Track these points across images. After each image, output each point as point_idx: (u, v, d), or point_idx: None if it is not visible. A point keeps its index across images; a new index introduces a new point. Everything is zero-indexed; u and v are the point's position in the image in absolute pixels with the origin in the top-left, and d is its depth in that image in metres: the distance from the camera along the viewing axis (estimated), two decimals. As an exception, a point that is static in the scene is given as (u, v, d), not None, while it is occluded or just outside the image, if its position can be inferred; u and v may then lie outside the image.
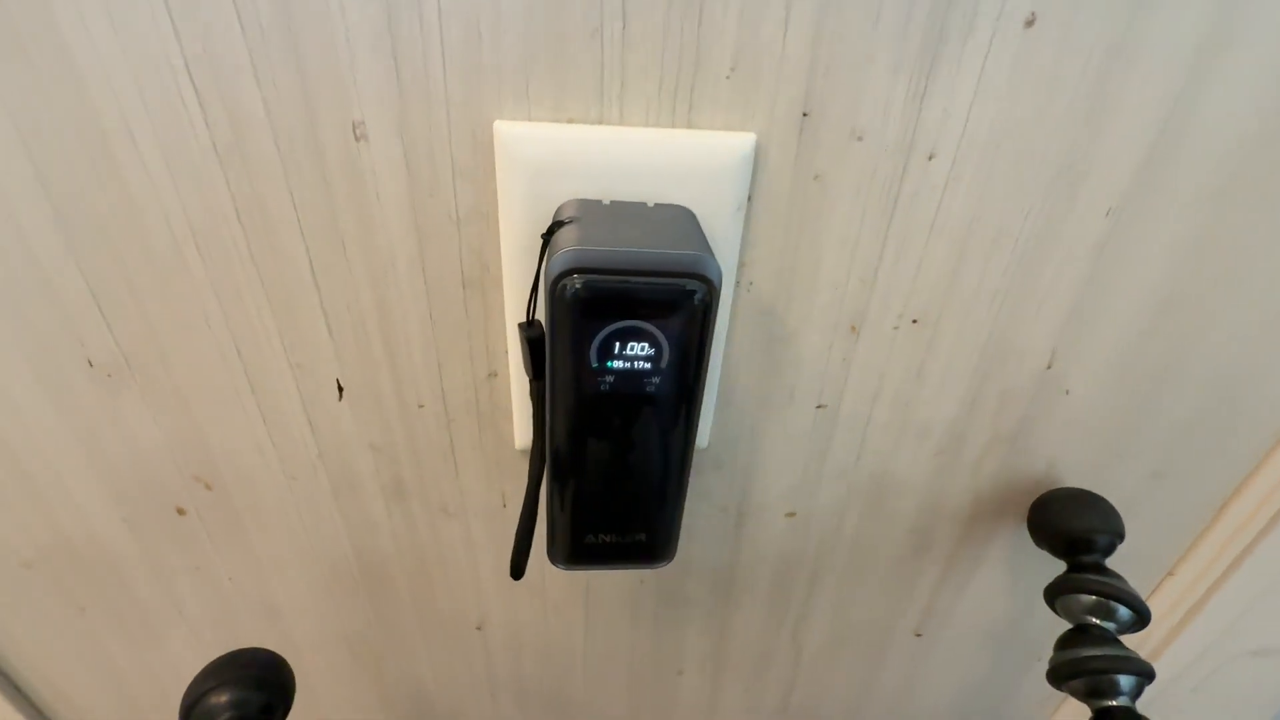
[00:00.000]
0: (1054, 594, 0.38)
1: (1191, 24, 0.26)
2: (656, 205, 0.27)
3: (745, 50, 0.26)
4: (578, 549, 0.29)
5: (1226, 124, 0.29)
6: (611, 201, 0.27)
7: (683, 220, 0.27)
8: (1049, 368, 0.36)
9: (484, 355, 0.34)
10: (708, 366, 0.25)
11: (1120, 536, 0.38)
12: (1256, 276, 0.33)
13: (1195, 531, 0.46)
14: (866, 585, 0.47)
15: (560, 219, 0.26)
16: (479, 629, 0.48)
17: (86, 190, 0.27)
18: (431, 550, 0.43)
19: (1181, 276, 0.33)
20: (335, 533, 0.41)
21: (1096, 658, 0.35)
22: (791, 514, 0.42)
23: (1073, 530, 0.38)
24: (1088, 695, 0.35)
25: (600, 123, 0.27)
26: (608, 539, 0.29)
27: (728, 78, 0.26)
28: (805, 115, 0.27)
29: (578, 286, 0.22)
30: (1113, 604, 0.36)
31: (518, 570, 0.30)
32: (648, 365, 0.24)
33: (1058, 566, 0.39)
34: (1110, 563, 0.38)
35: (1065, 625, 0.38)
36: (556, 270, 0.23)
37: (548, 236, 0.25)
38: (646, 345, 0.24)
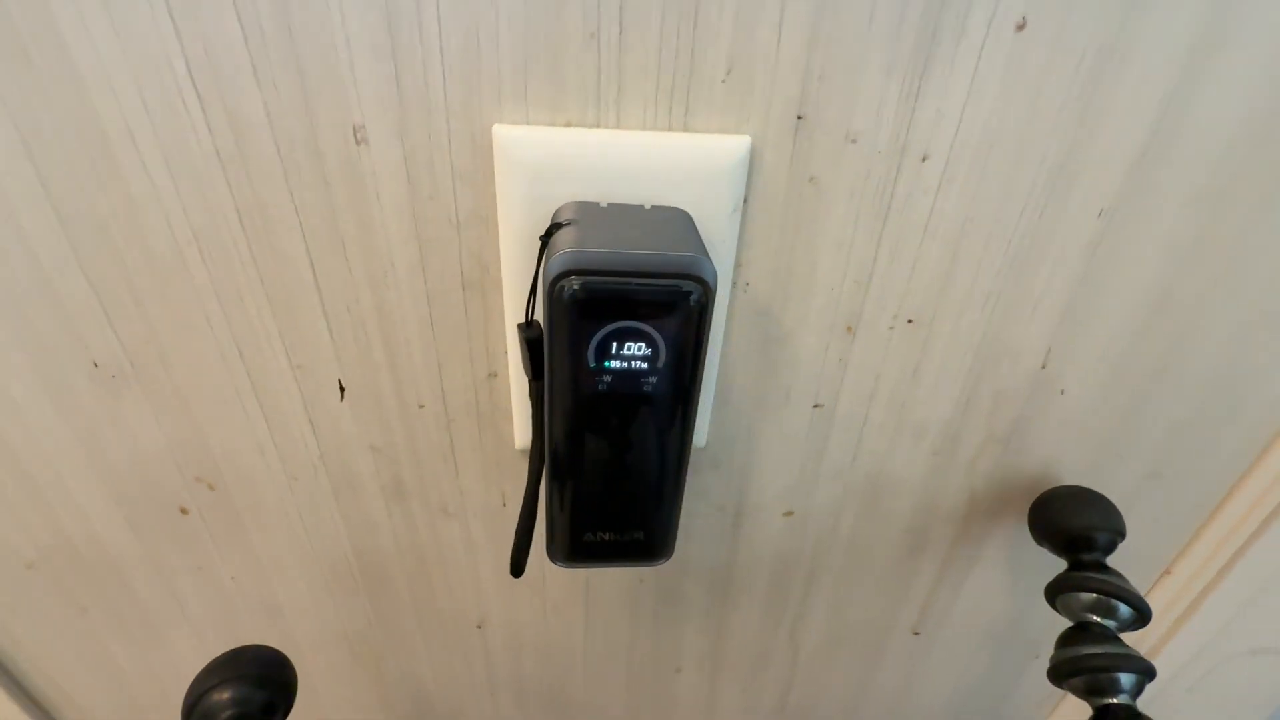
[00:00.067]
0: (1055, 592, 0.38)
1: (1184, 25, 0.26)
2: (653, 207, 0.28)
3: (740, 54, 0.26)
4: (577, 547, 0.29)
5: (1219, 125, 0.29)
6: (609, 204, 0.28)
7: (679, 222, 0.27)
8: (1043, 368, 0.36)
9: (484, 356, 0.34)
10: (704, 366, 0.26)
11: (1121, 534, 0.39)
12: (1250, 276, 0.34)
13: (1191, 530, 0.46)
14: (864, 584, 0.48)
15: (558, 221, 0.26)
16: (479, 628, 0.48)
17: (89, 193, 0.28)
18: (431, 550, 0.43)
19: (1175, 277, 0.33)
20: (336, 533, 0.41)
21: (1097, 655, 0.35)
22: (789, 513, 0.43)
23: (1073, 528, 0.38)
24: (1088, 693, 0.35)
25: (597, 126, 0.28)
26: (606, 537, 0.29)
27: (723, 81, 0.27)
28: (800, 118, 0.28)
29: (576, 287, 0.23)
30: (1113, 602, 0.36)
31: (517, 568, 0.30)
32: (645, 365, 0.24)
33: (1054, 565, 0.40)
34: (1109, 561, 0.39)
35: (1064, 623, 0.38)
36: (555, 271, 0.23)
37: (546, 238, 0.26)
38: (643, 345, 0.24)
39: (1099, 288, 0.34)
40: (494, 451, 0.38)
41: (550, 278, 0.23)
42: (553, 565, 0.44)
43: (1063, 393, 0.38)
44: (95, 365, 0.33)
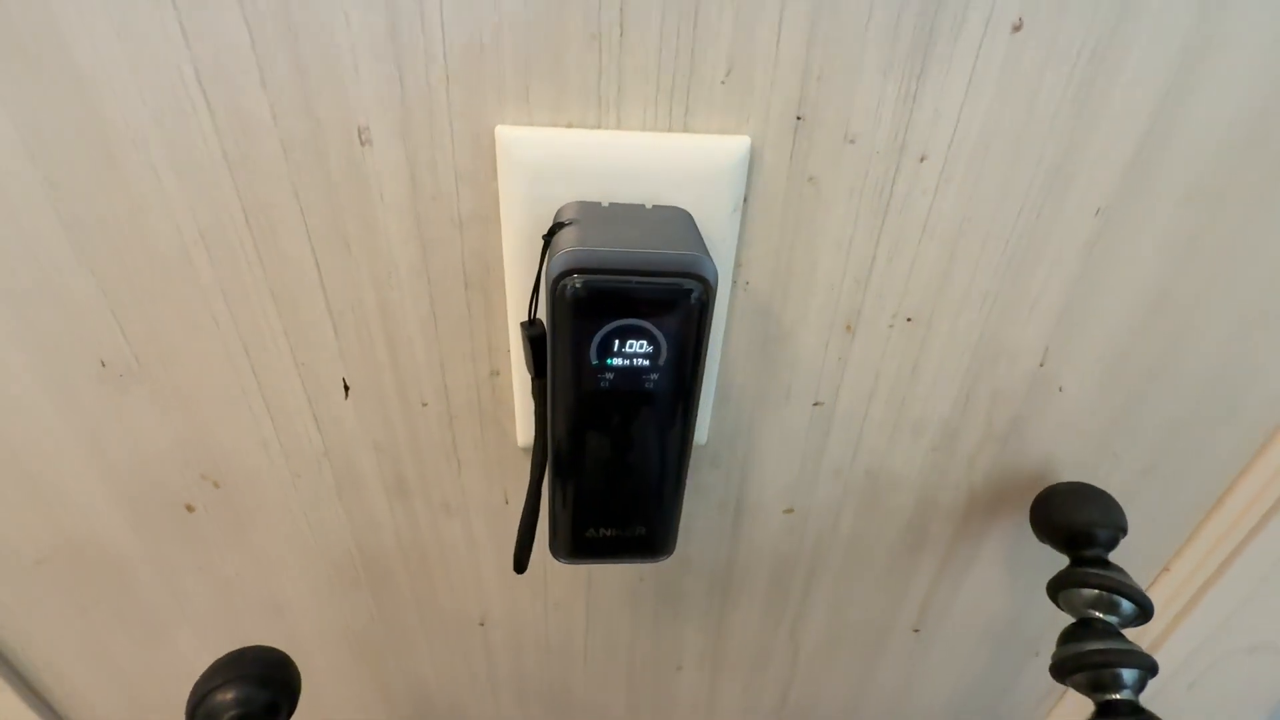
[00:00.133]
0: (1056, 588, 0.38)
1: (1177, 25, 0.27)
2: (654, 207, 0.28)
3: (740, 55, 0.26)
4: (579, 543, 0.30)
5: (1212, 125, 0.29)
6: (610, 203, 0.28)
7: (680, 221, 0.27)
8: (1041, 366, 0.37)
9: (486, 354, 0.34)
10: (705, 364, 0.26)
11: (1123, 530, 0.39)
12: (1245, 275, 0.34)
13: (1190, 528, 0.46)
14: (863, 582, 0.48)
15: (560, 221, 0.26)
16: (481, 625, 0.49)
17: (96, 194, 0.28)
18: (434, 547, 0.43)
19: (1171, 276, 0.34)
20: (339, 530, 0.42)
21: (1099, 651, 0.35)
22: (789, 510, 0.43)
23: (1075, 524, 0.39)
24: (1091, 689, 0.35)
25: (599, 127, 0.28)
26: (608, 533, 0.30)
27: (723, 82, 0.27)
28: (799, 119, 0.28)
29: (578, 286, 0.23)
30: (1115, 598, 0.36)
31: (520, 564, 0.30)
32: (646, 363, 0.25)
33: (1053, 562, 0.40)
34: (1111, 557, 0.39)
35: (1066, 620, 0.38)
36: (557, 270, 0.23)
37: (548, 238, 0.26)
38: (645, 343, 0.24)
39: (1096, 287, 0.34)
40: (496, 449, 0.38)
41: (553, 276, 0.23)
42: (554, 562, 0.45)
43: (1061, 391, 0.38)
44: (102, 364, 0.33)
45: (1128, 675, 0.35)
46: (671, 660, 0.53)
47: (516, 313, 0.32)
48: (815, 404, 0.38)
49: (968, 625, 0.52)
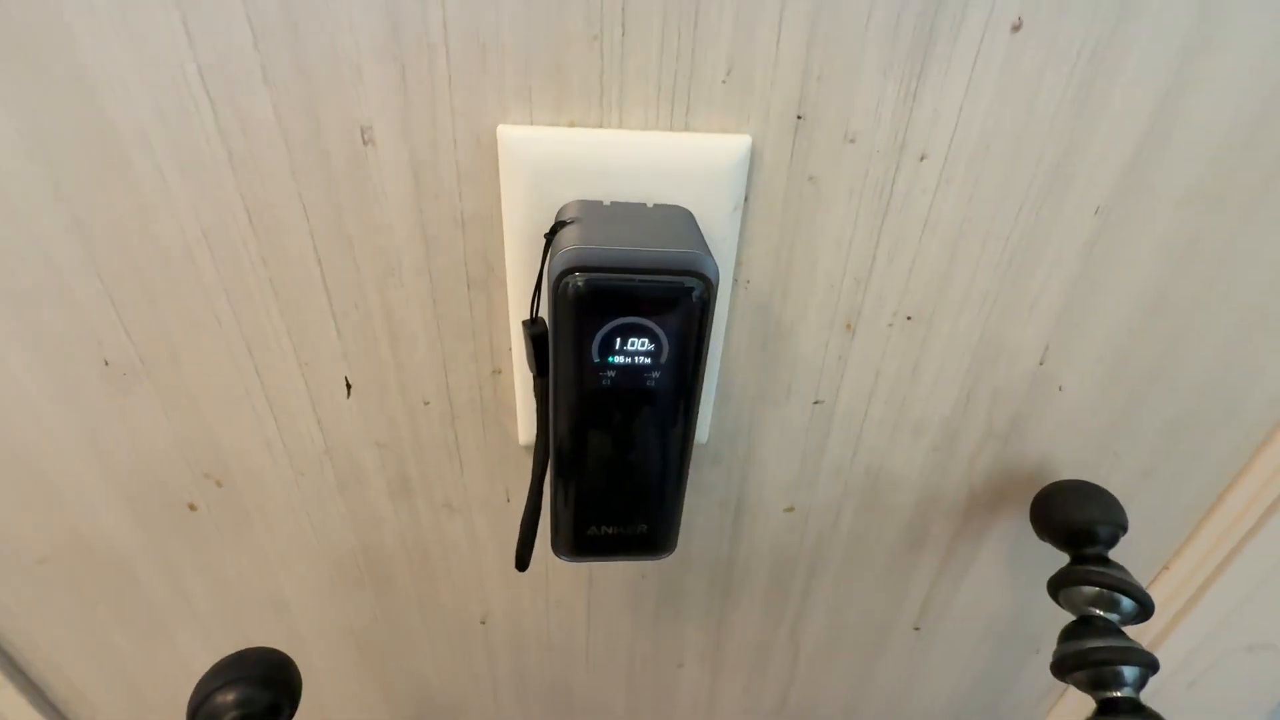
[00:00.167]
0: (1057, 586, 0.38)
1: (1176, 26, 0.27)
2: (656, 206, 0.28)
3: (740, 55, 0.27)
4: (581, 541, 0.30)
5: (1213, 125, 0.29)
6: (612, 202, 0.28)
7: (681, 220, 0.27)
8: (1041, 365, 0.37)
9: (488, 353, 0.35)
10: (706, 362, 0.26)
11: (1123, 528, 0.39)
12: (1243, 275, 0.34)
13: (1190, 527, 0.46)
14: (864, 580, 0.48)
15: (562, 219, 0.26)
16: (482, 623, 0.49)
17: (102, 195, 0.28)
18: (436, 545, 0.43)
19: (1170, 276, 0.34)
20: (341, 528, 0.42)
21: (1100, 649, 0.35)
22: (790, 509, 0.43)
23: (1075, 522, 0.39)
24: (1092, 686, 0.36)
25: (600, 126, 0.28)
26: (610, 531, 0.30)
27: (723, 82, 0.27)
28: (799, 118, 0.28)
29: (580, 284, 0.23)
30: (1116, 595, 0.36)
31: (522, 561, 0.31)
32: (648, 360, 0.25)
33: (1052, 560, 0.40)
34: (1111, 555, 0.39)
35: (1065, 618, 0.38)
36: (559, 269, 0.23)
37: (550, 236, 0.26)
38: (646, 341, 0.24)
39: (1095, 287, 0.34)
40: (498, 447, 0.39)
41: (555, 275, 0.23)
42: (556, 560, 0.45)
43: (1060, 390, 0.38)
44: (106, 363, 0.33)
45: (1129, 673, 0.35)
46: (672, 658, 0.53)
47: (518, 311, 0.32)
48: (816, 402, 0.38)
49: (968, 623, 0.52)
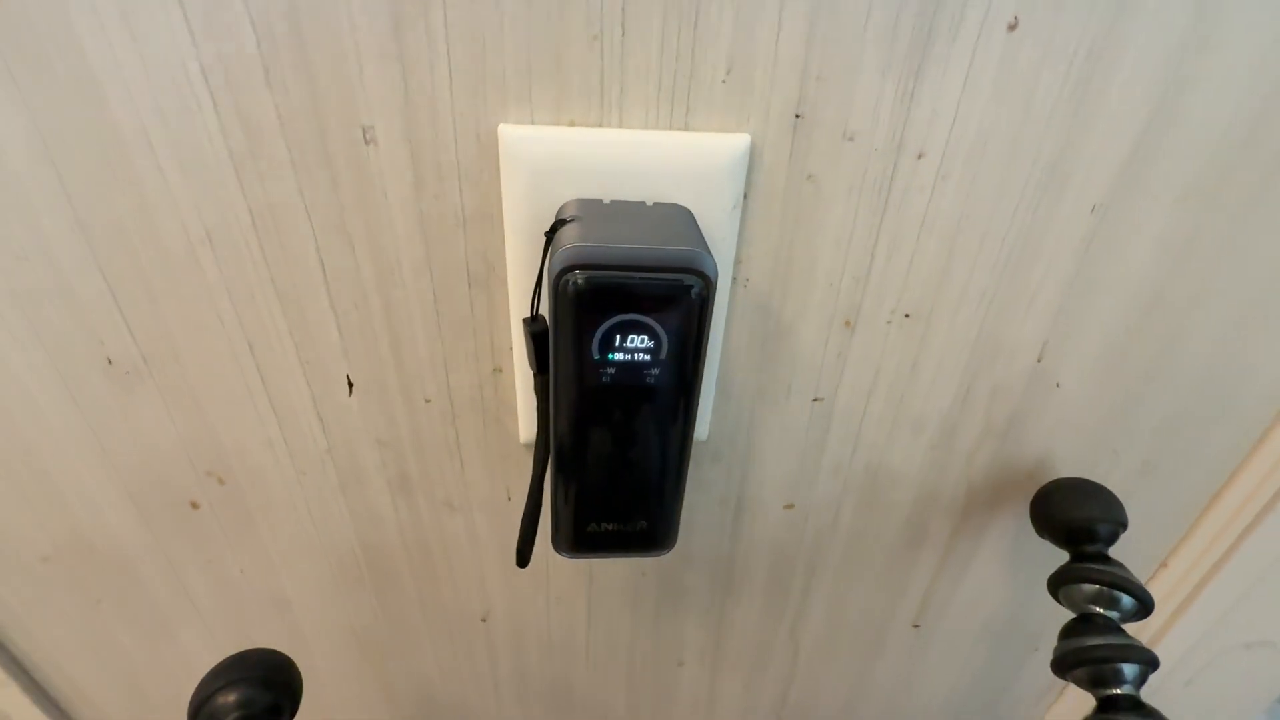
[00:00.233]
0: (1057, 583, 0.39)
1: (1172, 25, 0.27)
2: (655, 204, 0.28)
3: (739, 55, 0.27)
4: (581, 537, 0.30)
5: (1210, 124, 0.29)
6: (612, 201, 0.28)
7: (680, 218, 0.28)
8: (1039, 361, 0.37)
9: (489, 351, 0.35)
10: (705, 359, 0.26)
11: (1123, 526, 0.39)
12: (1240, 272, 0.34)
13: (1187, 523, 0.47)
14: (864, 577, 0.48)
15: (562, 218, 0.27)
16: (483, 621, 0.49)
17: (106, 195, 0.29)
18: (437, 543, 0.44)
19: (1167, 273, 0.34)
20: (343, 526, 0.42)
21: (1100, 647, 0.35)
22: (789, 506, 0.43)
23: (1075, 520, 0.39)
24: (1092, 684, 0.36)
25: (600, 125, 0.28)
26: (610, 528, 0.30)
27: (723, 81, 0.27)
28: (798, 117, 0.28)
29: (580, 281, 0.23)
30: (1116, 593, 0.36)
31: (523, 558, 0.31)
32: (647, 357, 0.25)
33: (1052, 557, 0.40)
34: (1111, 553, 0.39)
35: (1065, 615, 0.38)
36: (559, 266, 0.24)
37: (550, 234, 0.26)
38: (646, 338, 0.25)
39: (1092, 284, 0.34)
40: (498, 446, 0.39)
41: (555, 273, 0.24)
42: (557, 558, 0.45)
43: (1058, 387, 0.38)
44: (109, 362, 0.34)
45: (1128, 670, 0.35)
46: (672, 656, 0.53)
47: (519, 310, 0.32)
48: (815, 400, 0.38)
49: (968, 621, 0.52)
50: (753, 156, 0.29)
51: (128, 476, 0.38)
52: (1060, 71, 0.28)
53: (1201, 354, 0.37)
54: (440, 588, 0.46)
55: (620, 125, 0.28)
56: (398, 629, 0.49)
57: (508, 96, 0.27)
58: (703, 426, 0.38)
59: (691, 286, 0.24)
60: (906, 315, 0.35)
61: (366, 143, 0.28)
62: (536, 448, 0.30)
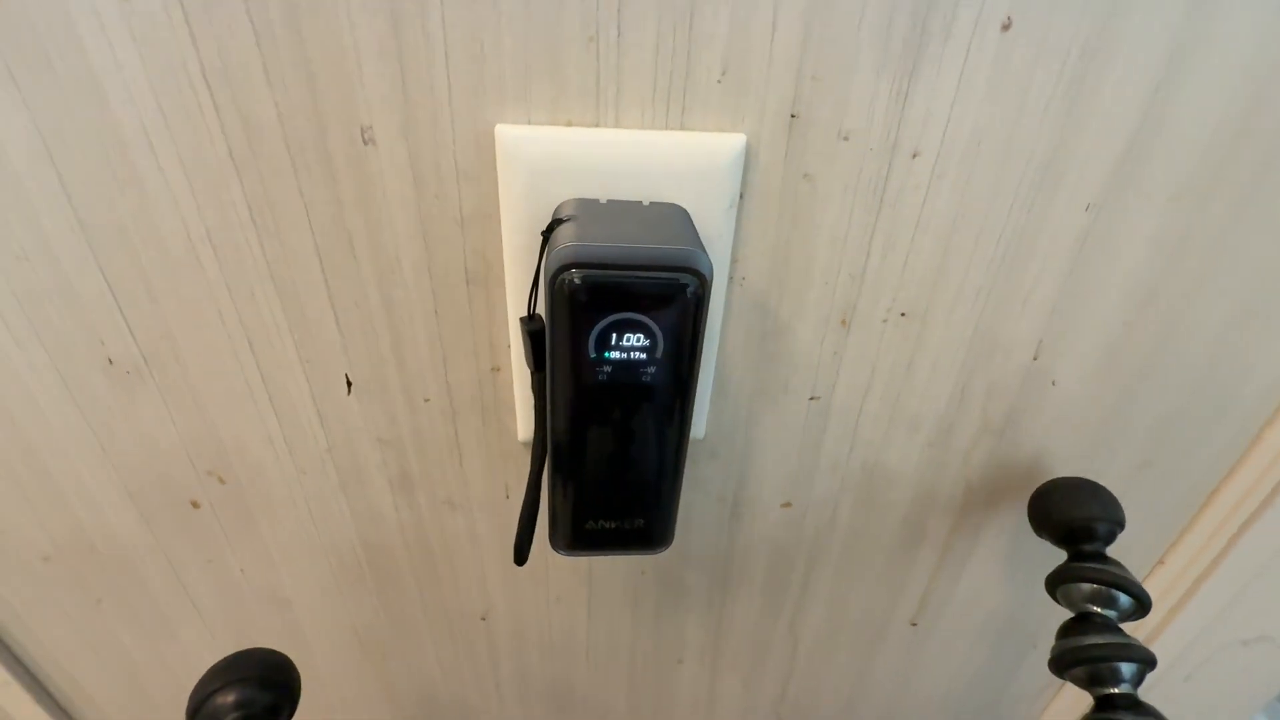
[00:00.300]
0: (1055, 582, 0.39)
1: (1165, 24, 0.27)
2: (651, 204, 0.29)
3: (735, 55, 0.27)
4: (578, 535, 0.30)
5: (1203, 122, 0.30)
6: (608, 200, 0.28)
7: (676, 218, 0.28)
8: (1035, 360, 0.37)
9: (487, 350, 0.35)
10: (701, 357, 0.26)
11: (1120, 525, 0.39)
12: (1234, 270, 0.34)
13: (1184, 520, 0.47)
14: (862, 575, 0.48)
15: (559, 217, 0.27)
16: (483, 620, 0.49)
17: (106, 195, 0.29)
18: (437, 542, 0.44)
19: (1161, 271, 0.34)
20: (343, 525, 0.42)
21: (1098, 645, 0.35)
22: (787, 505, 0.43)
23: (1073, 519, 0.39)
24: (1090, 683, 0.36)
25: (597, 125, 0.28)
26: (607, 525, 0.30)
27: (719, 81, 0.28)
28: (794, 117, 0.29)
29: (576, 280, 0.23)
30: (1113, 592, 0.36)
31: (521, 556, 0.31)
32: (643, 356, 0.25)
33: (1050, 555, 0.40)
34: (1109, 551, 0.39)
35: (1062, 614, 0.38)
36: (555, 265, 0.24)
37: (547, 234, 0.27)
38: (642, 336, 0.25)
39: (1088, 282, 0.34)
40: (497, 444, 0.39)
41: (551, 272, 0.24)
42: (556, 557, 0.45)
43: (1054, 384, 0.38)
44: (110, 361, 0.34)
45: (1126, 669, 0.35)
46: (672, 654, 0.53)
47: (517, 308, 0.32)
48: (812, 398, 0.38)
49: (966, 619, 0.52)
50: (748, 156, 0.29)
51: (128, 476, 0.39)
52: (1054, 70, 0.28)
53: (1197, 352, 0.37)
54: (441, 586, 0.47)
55: (617, 125, 0.28)
56: (398, 628, 0.49)
57: (505, 96, 0.27)
58: (700, 425, 0.38)
59: (687, 285, 0.24)
60: (902, 314, 0.35)
61: (365, 142, 0.28)
62: (534, 446, 0.30)
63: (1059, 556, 0.39)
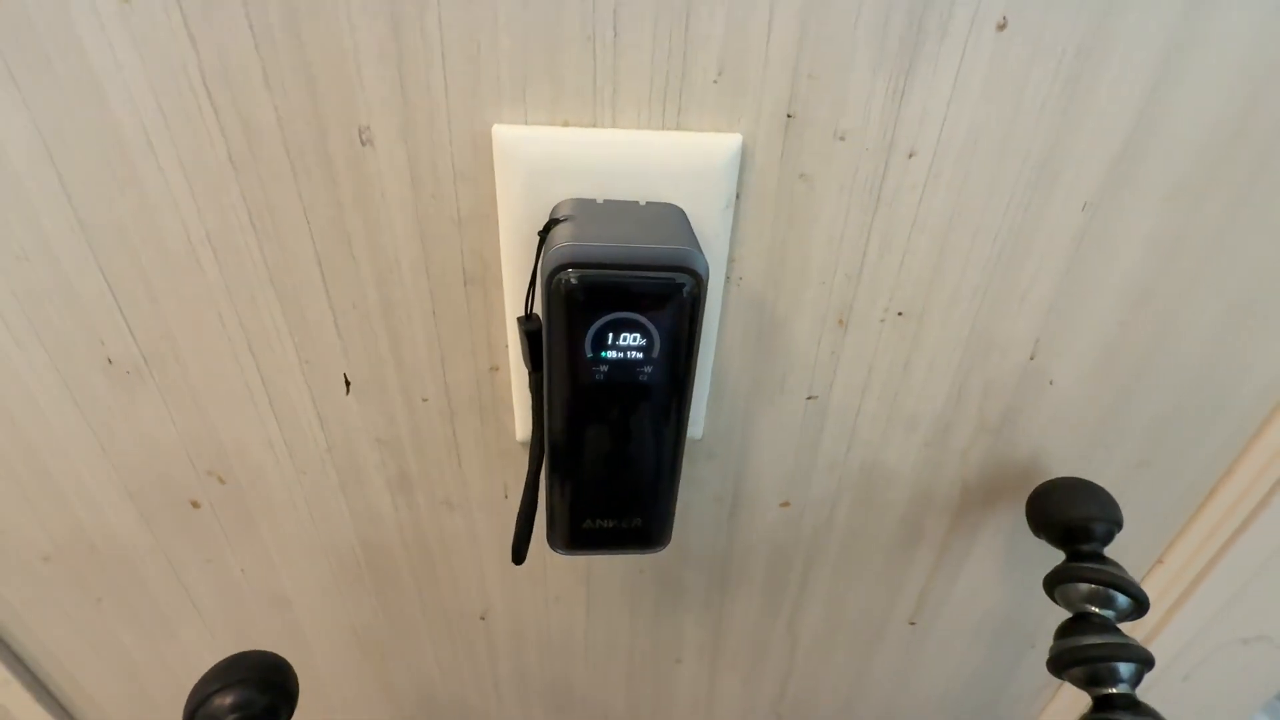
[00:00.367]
0: (1053, 583, 0.39)
1: (1161, 24, 0.27)
2: (648, 204, 0.29)
3: (731, 55, 0.27)
4: (576, 535, 0.30)
5: (1199, 121, 0.30)
6: (605, 200, 0.29)
7: (673, 218, 0.28)
8: (1032, 359, 0.37)
9: (485, 350, 0.35)
10: (698, 356, 0.27)
11: (1118, 525, 0.39)
12: (1230, 270, 0.34)
13: (1182, 520, 0.47)
14: (860, 575, 0.48)
15: (556, 217, 0.27)
16: (482, 619, 0.49)
17: (106, 195, 0.29)
18: (436, 541, 0.44)
19: (1157, 270, 0.34)
20: (342, 525, 0.42)
21: (1096, 645, 0.35)
22: (785, 504, 0.43)
23: (1071, 519, 0.39)
24: (1088, 683, 0.36)
25: (594, 125, 0.29)
26: (605, 525, 0.30)
27: (715, 82, 0.28)
28: (790, 117, 0.29)
29: (572, 280, 0.24)
30: (1111, 592, 0.36)
31: (519, 555, 0.31)
32: (640, 355, 0.25)
33: (1048, 555, 0.40)
34: (1107, 552, 0.39)
35: (1061, 613, 0.39)
36: (552, 265, 0.24)
37: (544, 234, 0.27)
38: (638, 336, 0.25)
39: (1084, 281, 0.34)
40: (496, 444, 0.39)
41: (548, 271, 0.24)
42: (555, 556, 0.45)
43: (1051, 384, 0.38)
44: (110, 362, 0.34)
45: (1124, 669, 0.35)
46: (671, 653, 0.53)
47: (514, 308, 0.33)
48: (809, 398, 0.38)
49: (964, 619, 0.52)
50: (745, 156, 0.29)
51: (128, 476, 0.39)
52: (1050, 69, 0.28)
53: (1194, 351, 0.37)
54: (439, 586, 0.47)
55: (614, 125, 0.29)
56: (397, 627, 0.49)
57: (502, 97, 0.28)
58: (697, 424, 0.38)
59: (683, 285, 0.24)
60: (899, 313, 0.35)
61: (363, 143, 0.28)
62: (531, 445, 0.30)
63: (1057, 556, 0.39)
